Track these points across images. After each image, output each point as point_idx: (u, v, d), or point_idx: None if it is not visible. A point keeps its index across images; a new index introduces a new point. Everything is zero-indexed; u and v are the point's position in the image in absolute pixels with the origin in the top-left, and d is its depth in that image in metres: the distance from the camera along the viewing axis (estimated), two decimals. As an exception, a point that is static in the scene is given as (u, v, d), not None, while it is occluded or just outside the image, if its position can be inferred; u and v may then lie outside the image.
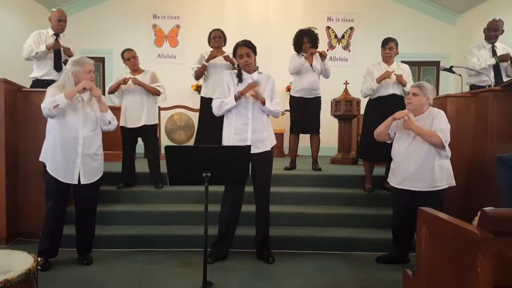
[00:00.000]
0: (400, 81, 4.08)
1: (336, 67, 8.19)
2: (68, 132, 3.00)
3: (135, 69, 4.43)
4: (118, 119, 4.35)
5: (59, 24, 4.46)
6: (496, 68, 4.50)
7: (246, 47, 3.23)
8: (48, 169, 3.06)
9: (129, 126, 4.32)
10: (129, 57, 4.38)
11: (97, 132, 3.16)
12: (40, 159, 3.12)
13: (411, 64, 8.56)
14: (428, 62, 8.57)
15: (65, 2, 8.08)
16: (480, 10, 7.49)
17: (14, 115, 3.75)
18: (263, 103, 3.20)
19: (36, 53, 4.26)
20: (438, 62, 8.28)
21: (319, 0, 8.44)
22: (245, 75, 3.31)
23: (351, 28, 8.51)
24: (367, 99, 4.34)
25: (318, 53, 4.78)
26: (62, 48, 4.37)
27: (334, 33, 8.51)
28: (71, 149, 3.02)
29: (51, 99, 2.91)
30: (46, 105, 2.92)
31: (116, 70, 8.09)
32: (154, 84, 4.35)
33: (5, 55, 6.33)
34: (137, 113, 4.30)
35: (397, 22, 8.27)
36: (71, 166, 3.04)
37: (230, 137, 3.28)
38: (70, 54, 4.33)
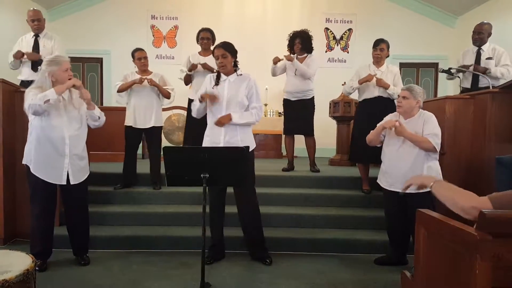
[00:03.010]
0: (381, 86, 4.11)
1: (334, 69, 8.24)
2: (53, 132, 2.94)
3: (144, 70, 4.40)
4: (122, 118, 4.37)
5: (33, 25, 4.56)
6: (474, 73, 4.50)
7: (222, 49, 3.20)
8: (32, 171, 2.98)
9: (137, 126, 4.31)
10: (141, 57, 4.36)
11: (82, 130, 3.11)
12: (23, 162, 3.05)
13: (409, 65, 8.63)
14: (427, 64, 8.57)
15: (63, 2, 8.06)
16: (479, 12, 7.50)
17: (12, 115, 3.73)
18: (230, 119, 3.16)
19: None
20: (437, 64, 8.28)
21: (317, 1, 8.45)
22: (223, 77, 3.30)
23: (350, 30, 8.51)
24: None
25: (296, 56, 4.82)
26: (25, 54, 4.48)
27: (332, 35, 8.51)
28: (57, 150, 2.96)
29: (40, 95, 2.79)
30: (35, 102, 2.77)
31: (114, 71, 8.09)
32: (166, 87, 4.35)
33: (1, 55, 6.30)
34: (147, 114, 4.30)
35: (396, 23, 8.28)
36: (59, 167, 2.99)
37: (205, 139, 3.31)
38: (34, 58, 4.45)
